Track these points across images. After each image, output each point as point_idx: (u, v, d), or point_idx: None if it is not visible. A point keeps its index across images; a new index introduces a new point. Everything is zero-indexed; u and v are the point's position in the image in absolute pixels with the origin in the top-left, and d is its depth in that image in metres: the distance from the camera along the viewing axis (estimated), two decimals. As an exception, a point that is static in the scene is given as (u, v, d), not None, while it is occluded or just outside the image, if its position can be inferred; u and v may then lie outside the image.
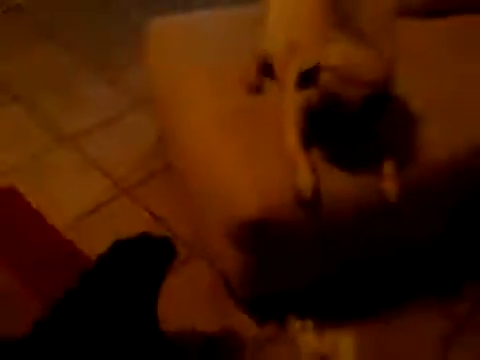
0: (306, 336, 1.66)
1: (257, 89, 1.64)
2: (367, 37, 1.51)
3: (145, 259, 1.36)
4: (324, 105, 1.33)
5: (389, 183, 1.46)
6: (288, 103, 1.49)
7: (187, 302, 1.72)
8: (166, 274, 1.40)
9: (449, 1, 1.96)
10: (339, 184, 1.47)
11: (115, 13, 2.96)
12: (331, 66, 1.32)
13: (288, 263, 1.59)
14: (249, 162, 1.48)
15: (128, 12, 2.95)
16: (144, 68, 2.09)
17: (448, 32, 1.90)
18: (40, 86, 2.49)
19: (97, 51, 2.69)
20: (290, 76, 1.44)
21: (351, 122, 1.35)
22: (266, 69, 1.66)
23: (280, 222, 1.43)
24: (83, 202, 2.02)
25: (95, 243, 1.76)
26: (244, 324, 1.69)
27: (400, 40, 1.66)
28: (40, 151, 2.20)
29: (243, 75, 1.64)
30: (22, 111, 2.38)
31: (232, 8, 2.05)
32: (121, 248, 1.38)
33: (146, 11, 2.84)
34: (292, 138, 1.45)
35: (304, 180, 1.39)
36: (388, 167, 1.47)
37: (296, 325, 1.68)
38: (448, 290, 1.85)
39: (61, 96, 2.45)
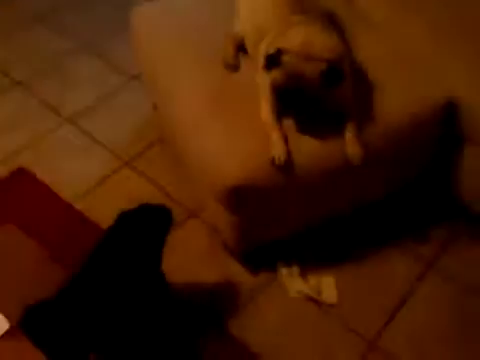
0: (293, 280, 1.84)
1: (234, 67, 1.80)
2: (326, 14, 1.67)
3: (148, 226, 1.55)
4: (288, 82, 1.51)
5: (352, 147, 1.62)
6: (260, 81, 1.66)
7: (188, 257, 1.90)
8: (167, 236, 1.60)
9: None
10: (309, 149, 1.64)
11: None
12: (291, 48, 1.49)
13: (270, 220, 1.78)
14: (231, 134, 1.65)
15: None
16: (132, 50, 2.24)
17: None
18: (39, 70, 2.63)
19: (89, 33, 2.82)
20: (260, 57, 1.61)
21: (312, 95, 1.52)
22: (241, 47, 1.81)
23: (258, 186, 1.61)
24: (88, 175, 2.19)
25: (102, 212, 1.99)
26: (239, 273, 1.88)
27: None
28: (43, 131, 2.36)
29: (221, 55, 1.80)
30: (23, 95, 2.53)
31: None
32: (126, 218, 1.58)
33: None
34: (265, 111, 1.62)
35: (277, 149, 1.57)
36: (350, 131, 1.63)
37: (284, 271, 1.86)
38: (416, 234, 2.01)
39: (58, 78, 2.60)
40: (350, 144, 1.63)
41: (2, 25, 2.89)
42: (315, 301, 1.82)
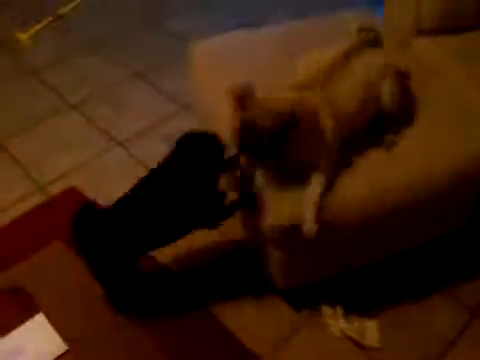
0: (337, 321, 1.83)
1: None
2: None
3: (202, 150, 1.64)
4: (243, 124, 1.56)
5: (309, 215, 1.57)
6: None
7: (231, 288, 1.92)
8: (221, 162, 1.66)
9: (456, 21, 2.11)
10: (356, 193, 1.65)
11: (154, 27, 3.21)
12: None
13: (317, 260, 1.78)
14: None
15: (172, 30, 3.19)
16: (188, 81, 2.30)
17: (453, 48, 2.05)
18: (92, 95, 2.74)
19: (141, 63, 2.93)
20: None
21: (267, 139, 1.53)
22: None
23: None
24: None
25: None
26: (282, 308, 1.88)
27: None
28: (95, 154, 2.44)
29: None
30: (77, 118, 2.62)
31: (264, 28, 2.22)
32: (182, 145, 1.67)
33: (182, 24, 3.13)
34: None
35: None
36: (311, 190, 1.60)
37: (328, 311, 1.85)
38: (461, 282, 1.97)
39: (111, 104, 2.69)
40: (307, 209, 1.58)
41: (59, 52, 3.02)
42: (357, 343, 1.80)
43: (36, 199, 2.25)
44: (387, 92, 1.75)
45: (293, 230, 1.61)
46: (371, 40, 1.79)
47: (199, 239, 1.81)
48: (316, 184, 1.62)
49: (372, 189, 1.66)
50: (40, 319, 1.77)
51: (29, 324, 1.77)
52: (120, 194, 2.22)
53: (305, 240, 1.64)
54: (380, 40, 1.83)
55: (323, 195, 1.61)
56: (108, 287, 1.76)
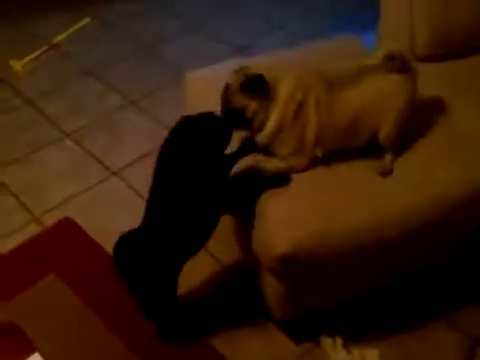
0: (337, 352, 1.80)
1: None
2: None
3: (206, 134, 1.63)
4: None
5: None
6: None
7: (231, 323, 1.89)
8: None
9: (449, 47, 2.13)
10: (357, 221, 1.63)
11: (150, 54, 3.23)
12: None
13: (317, 289, 1.76)
14: (282, 207, 1.65)
15: (166, 57, 3.20)
16: (184, 108, 2.30)
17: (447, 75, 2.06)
18: (88, 123, 2.73)
19: (137, 90, 2.93)
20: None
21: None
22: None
23: (307, 255, 1.59)
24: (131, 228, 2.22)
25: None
26: (281, 341, 1.85)
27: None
28: (90, 183, 2.42)
29: None
30: (75, 147, 2.61)
31: (257, 56, 2.25)
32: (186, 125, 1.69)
33: (177, 50, 3.15)
34: None
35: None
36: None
37: (328, 342, 1.82)
38: (464, 307, 1.95)
39: (107, 132, 2.68)
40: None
41: (54, 81, 3.01)
42: (358, 374, 1.77)
43: (31, 229, 2.21)
44: (383, 134, 1.74)
45: (292, 260, 1.59)
46: (395, 68, 1.72)
47: (196, 266, 1.77)
48: (277, 161, 1.70)
49: (370, 217, 1.65)
50: (36, 359, 1.73)
51: (25, 365, 1.73)
52: (117, 224, 2.23)
53: (303, 270, 1.63)
54: (409, 68, 1.75)
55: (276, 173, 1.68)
56: (153, 312, 1.74)
